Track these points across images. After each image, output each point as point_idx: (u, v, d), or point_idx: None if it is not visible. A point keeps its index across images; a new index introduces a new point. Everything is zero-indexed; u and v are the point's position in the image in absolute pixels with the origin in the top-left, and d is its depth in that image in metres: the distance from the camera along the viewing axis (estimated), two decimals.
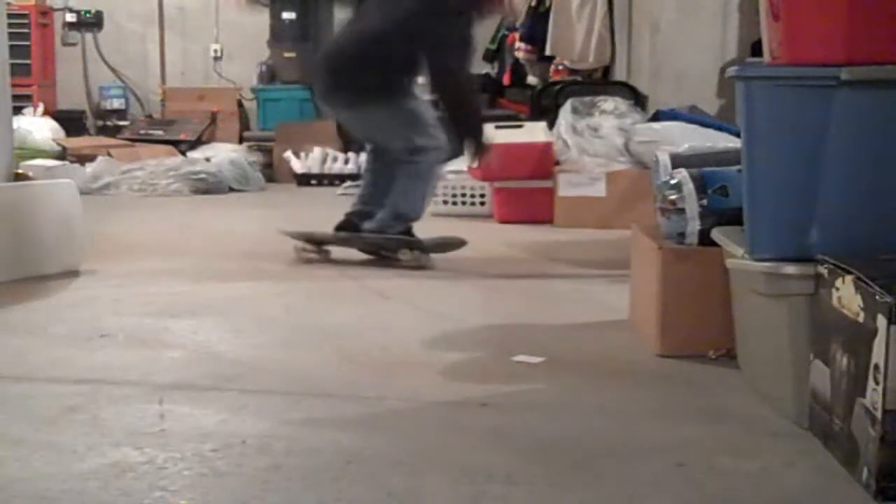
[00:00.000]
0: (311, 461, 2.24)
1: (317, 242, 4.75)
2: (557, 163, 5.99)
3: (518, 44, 8.08)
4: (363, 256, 4.72)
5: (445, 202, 6.29)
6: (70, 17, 9.56)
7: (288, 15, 8.87)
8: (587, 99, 6.24)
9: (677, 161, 3.38)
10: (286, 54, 8.97)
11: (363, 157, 8.05)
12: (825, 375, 2.28)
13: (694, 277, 3.03)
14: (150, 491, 2.08)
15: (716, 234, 2.87)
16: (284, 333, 3.41)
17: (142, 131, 8.94)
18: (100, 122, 9.51)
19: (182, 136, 8.72)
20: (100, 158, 7.73)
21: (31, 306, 3.76)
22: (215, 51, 9.53)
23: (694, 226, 3.02)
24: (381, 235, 4.60)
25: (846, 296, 2.18)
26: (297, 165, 8.12)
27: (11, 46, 4.61)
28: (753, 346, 2.77)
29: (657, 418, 2.57)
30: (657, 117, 6.03)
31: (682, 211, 3.04)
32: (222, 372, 2.93)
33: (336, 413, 2.61)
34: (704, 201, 3.00)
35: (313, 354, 3.14)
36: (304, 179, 8.07)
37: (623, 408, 2.65)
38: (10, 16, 5.13)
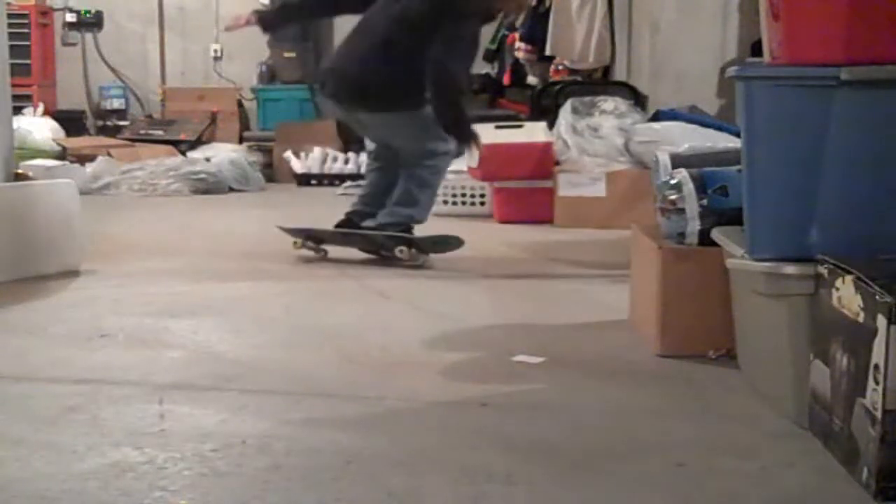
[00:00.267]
0: (311, 461, 2.24)
1: (315, 239, 4.75)
2: (557, 163, 5.99)
3: (518, 44, 8.08)
4: (363, 256, 4.73)
5: (445, 202, 6.29)
6: (70, 17, 9.56)
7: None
8: (587, 99, 6.25)
9: (677, 161, 3.38)
10: (286, 54, 8.97)
11: (363, 157, 8.10)
12: (825, 375, 2.28)
13: (694, 277, 3.03)
14: (150, 491, 2.08)
15: (716, 234, 2.87)
16: (284, 333, 3.41)
17: (142, 131, 8.94)
18: (100, 122, 9.51)
19: (182, 136, 8.73)
20: (100, 158, 7.73)
21: (31, 306, 3.76)
22: (215, 51, 9.53)
23: (694, 226, 3.02)
24: (381, 233, 4.61)
25: (846, 296, 2.18)
26: (297, 165, 8.12)
27: (11, 46, 4.61)
28: (753, 346, 2.77)
29: (657, 418, 2.57)
30: (657, 117, 6.03)
31: (682, 211, 3.04)
32: (222, 372, 2.93)
33: (336, 413, 2.61)
34: (704, 201, 3.00)
35: (313, 354, 3.14)
36: (304, 179, 8.07)
37: (623, 408, 2.65)
38: (10, 16, 5.13)
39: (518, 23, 8.10)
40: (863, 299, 2.10)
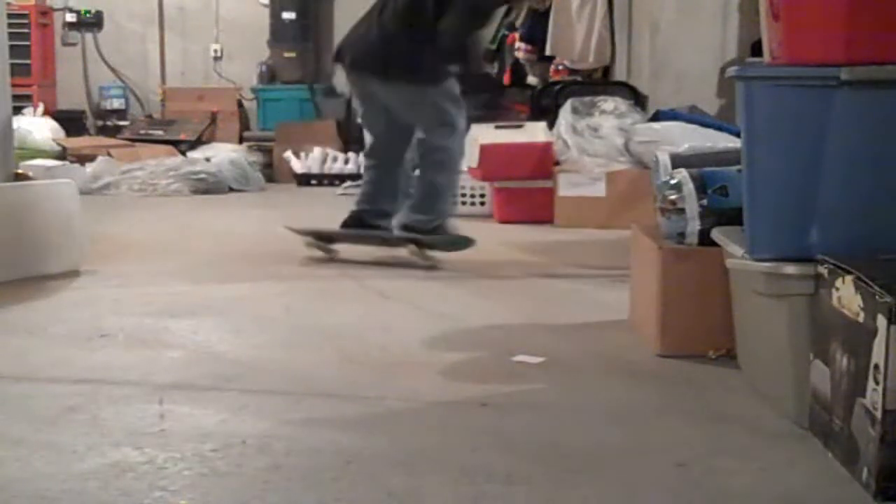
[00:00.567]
0: (311, 461, 2.24)
1: (325, 239, 4.75)
2: (557, 163, 5.99)
3: (518, 44, 8.08)
4: (363, 256, 4.72)
5: None
6: (70, 17, 9.56)
7: (288, 15, 8.87)
8: (587, 99, 6.25)
9: (677, 161, 3.38)
10: (286, 54, 8.97)
11: (363, 157, 8.12)
12: (825, 375, 2.28)
13: (694, 277, 3.03)
14: (150, 491, 2.07)
15: (716, 234, 2.87)
16: (284, 333, 3.41)
17: (142, 131, 8.94)
18: (100, 122, 9.51)
19: (182, 136, 8.73)
20: (100, 158, 7.73)
21: (31, 306, 3.76)
22: (215, 51, 9.53)
23: (694, 226, 3.02)
24: (391, 234, 4.61)
25: (846, 296, 2.18)
26: (297, 165, 8.13)
27: (11, 46, 4.61)
28: (753, 346, 2.77)
29: (657, 418, 2.57)
30: (657, 117, 6.03)
31: (682, 211, 3.04)
32: (222, 372, 2.93)
33: (336, 413, 2.61)
34: (704, 201, 3.00)
35: (313, 354, 3.14)
36: (304, 179, 8.07)
37: (623, 408, 2.65)
38: (10, 16, 5.13)
39: (518, 23, 8.09)
40: (863, 299, 2.10)
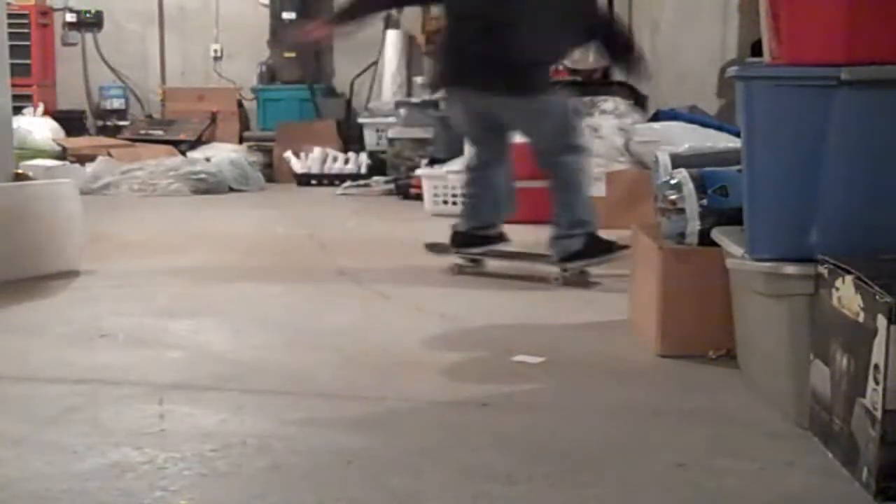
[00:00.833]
0: (311, 461, 2.24)
1: (468, 252, 4.50)
2: None
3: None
4: (362, 256, 4.72)
5: (445, 202, 6.29)
6: (70, 17, 9.55)
7: (288, 15, 8.86)
8: (587, 99, 6.24)
9: (678, 161, 3.38)
10: (286, 54, 8.97)
11: (363, 157, 8.13)
12: (825, 375, 2.28)
13: (694, 278, 3.03)
14: (150, 491, 2.08)
15: (716, 234, 2.87)
16: (284, 333, 3.41)
17: (142, 131, 8.94)
18: (100, 122, 9.50)
19: (182, 136, 8.72)
20: (100, 158, 7.73)
21: (31, 306, 3.76)
22: (215, 51, 9.52)
23: (694, 226, 3.02)
24: (573, 265, 4.26)
25: (846, 296, 2.18)
26: (297, 165, 8.12)
27: (11, 46, 4.60)
28: (753, 346, 2.77)
29: (657, 418, 2.57)
30: (657, 117, 6.03)
31: (682, 211, 3.04)
32: (222, 372, 2.93)
33: (336, 413, 2.61)
34: (704, 201, 3.00)
35: (313, 354, 3.14)
36: (304, 179, 8.07)
37: (623, 408, 2.65)
38: (10, 16, 5.13)
39: None
40: (863, 299, 2.10)
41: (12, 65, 4.56)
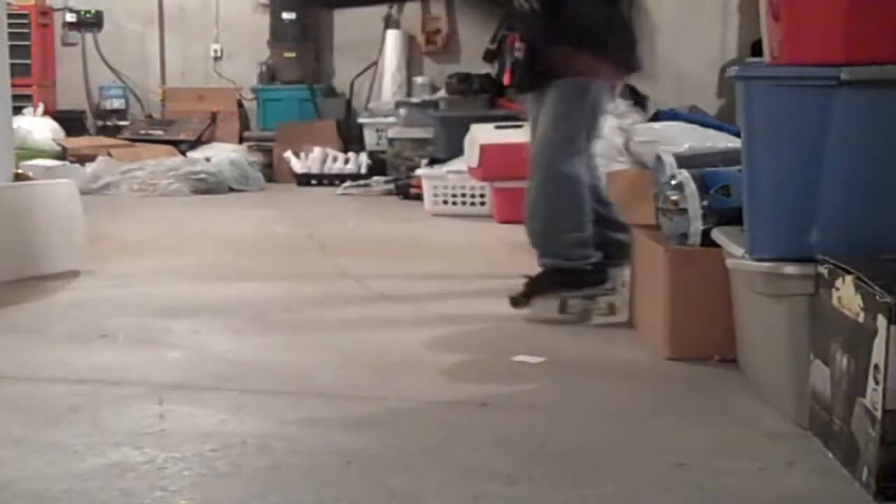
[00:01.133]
0: (311, 461, 2.24)
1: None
2: None
3: (518, 44, 8.07)
4: (361, 256, 4.72)
5: (445, 202, 6.29)
6: (70, 17, 9.54)
7: (288, 15, 8.86)
8: None
9: (682, 161, 3.37)
10: (286, 54, 8.96)
11: (363, 157, 8.12)
12: (825, 375, 2.28)
13: (700, 279, 3.00)
14: (150, 491, 2.07)
15: (716, 234, 2.87)
16: (284, 333, 3.41)
17: (142, 131, 8.93)
18: (100, 122, 9.49)
19: (182, 136, 8.72)
20: (100, 158, 7.73)
21: (31, 306, 3.76)
22: (215, 51, 9.51)
23: (696, 226, 3.01)
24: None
25: (846, 296, 2.18)
26: (297, 165, 8.12)
27: (11, 46, 4.60)
28: (754, 346, 2.76)
29: (657, 418, 2.57)
30: (657, 117, 6.03)
31: (684, 211, 3.04)
32: (222, 372, 2.93)
33: (336, 413, 2.61)
34: (706, 201, 3.00)
35: (313, 354, 3.14)
36: (304, 179, 8.06)
37: (623, 408, 2.65)
38: (10, 16, 5.13)
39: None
40: (863, 299, 2.10)
41: (12, 65, 4.56)
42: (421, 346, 3.25)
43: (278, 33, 8.97)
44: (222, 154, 8.01)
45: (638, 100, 6.57)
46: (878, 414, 2.02)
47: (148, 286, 4.13)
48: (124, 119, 9.39)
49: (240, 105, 9.27)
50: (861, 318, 2.10)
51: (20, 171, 4.72)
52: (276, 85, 9.11)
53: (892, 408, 2.00)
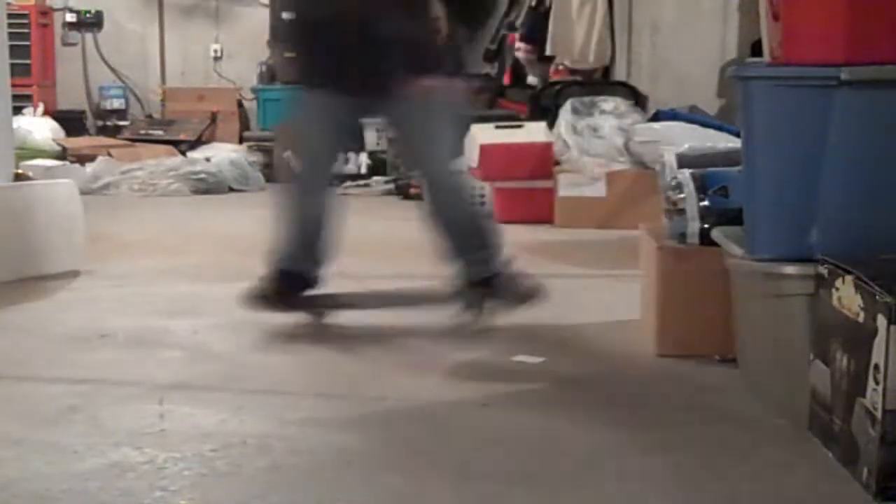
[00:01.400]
0: (311, 461, 2.24)
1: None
2: (557, 163, 5.98)
3: (518, 44, 8.07)
4: (361, 256, 4.71)
5: None
6: (70, 17, 9.54)
7: (288, 15, 8.86)
8: (587, 99, 6.24)
9: (684, 161, 3.37)
10: (286, 54, 8.96)
11: (363, 157, 8.12)
12: (825, 375, 2.28)
13: (693, 277, 3.02)
14: (150, 491, 2.08)
15: (715, 233, 2.87)
16: (284, 333, 3.41)
17: (142, 131, 8.93)
18: (100, 122, 9.49)
19: (182, 136, 8.71)
20: (100, 158, 7.72)
21: (31, 306, 3.76)
22: (215, 51, 9.52)
23: (695, 226, 3.02)
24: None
25: (846, 296, 2.18)
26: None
27: (11, 46, 4.59)
28: (753, 346, 2.76)
29: (657, 418, 2.57)
30: (657, 117, 6.02)
31: (683, 211, 3.04)
32: (222, 372, 2.93)
33: (336, 413, 2.61)
34: (705, 202, 3.00)
35: (313, 354, 3.14)
36: None
37: (623, 408, 2.65)
38: (10, 16, 5.12)
39: (518, 22, 8.09)
40: (863, 299, 2.10)
41: (12, 65, 4.55)
42: (421, 345, 3.25)
43: (278, 33, 8.97)
44: (222, 154, 8.01)
45: (638, 100, 6.57)
46: (878, 414, 2.02)
47: (148, 286, 4.13)
48: (124, 119, 9.39)
49: (240, 105, 9.27)
50: (861, 318, 2.10)
51: (20, 171, 4.71)
52: (276, 85, 9.11)
53: (892, 408, 2.01)
